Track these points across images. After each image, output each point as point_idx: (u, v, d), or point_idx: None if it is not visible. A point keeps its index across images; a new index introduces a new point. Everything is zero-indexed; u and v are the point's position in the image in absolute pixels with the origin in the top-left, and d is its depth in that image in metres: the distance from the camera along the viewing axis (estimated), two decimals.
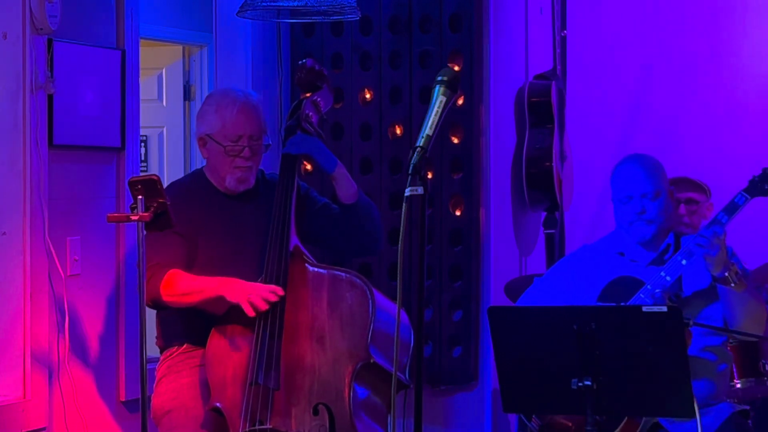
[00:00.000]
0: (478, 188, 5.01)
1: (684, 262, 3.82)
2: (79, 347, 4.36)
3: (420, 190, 2.92)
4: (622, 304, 3.84)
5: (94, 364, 4.43)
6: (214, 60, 5.25)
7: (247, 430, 3.66)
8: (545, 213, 5.41)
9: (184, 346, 3.94)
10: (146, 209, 3.42)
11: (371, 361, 3.67)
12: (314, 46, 5.15)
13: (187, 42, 6.69)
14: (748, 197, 3.85)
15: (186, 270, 3.82)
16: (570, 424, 3.84)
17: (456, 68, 4.88)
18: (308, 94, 3.99)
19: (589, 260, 4.08)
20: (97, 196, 4.42)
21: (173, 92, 6.77)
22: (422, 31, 5.01)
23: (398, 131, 5.07)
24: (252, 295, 3.68)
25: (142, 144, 6.54)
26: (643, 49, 6.05)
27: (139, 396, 3.44)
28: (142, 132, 5.35)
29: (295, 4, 4.26)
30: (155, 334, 4.02)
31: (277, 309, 3.71)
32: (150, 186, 3.42)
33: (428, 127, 2.99)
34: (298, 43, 5.17)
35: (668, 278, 3.83)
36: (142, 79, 4.76)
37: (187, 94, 6.76)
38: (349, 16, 4.39)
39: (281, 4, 4.27)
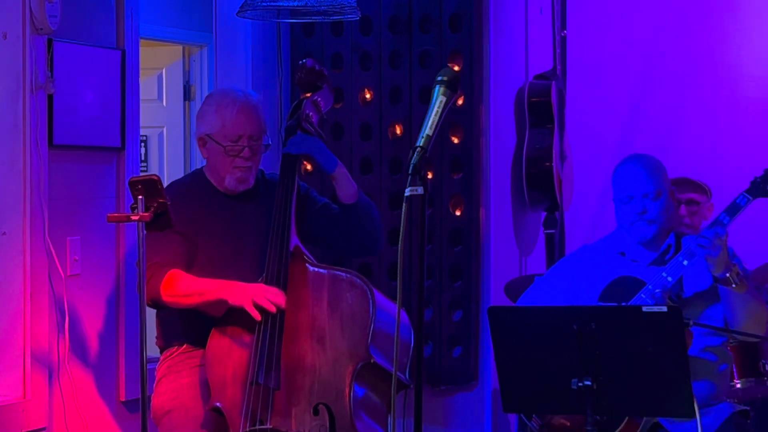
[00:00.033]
0: (478, 188, 5.01)
1: (685, 262, 3.82)
2: (79, 347, 4.36)
3: (420, 190, 2.92)
4: (623, 304, 3.84)
5: (94, 364, 4.43)
6: (214, 60, 5.25)
7: (247, 430, 3.66)
8: (545, 213, 5.41)
9: (184, 346, 3.94)
10: (146, 209, 3.42)
11: (371, 361, 3.67)
12: (314, 46, 5.15)
13: (187, 42, 6.69)
14: (750, 198, 3.84)
15: (186, 270, 3.82)
16: (568, 424, 3.84)
17: (456, 68, 4.88)
18: (308, 94, 3.99)
19: (590, 260, 4.08)
20: (97, 196, 4.42)
21: (173, 92, 6.77)
22: (422, 31, 5.01)
23: (398, 131, 5.07)
24: (257, 296, 3.67)
25: (142, 144, 6.54)
26: (643, 49, 6.05)
27: (139, 396, 3.44)
28: (142, 132, 5.35)
29: (295, 4, 4.26)
30: (155, 334, 4.02)
31: (279, 308, 3.71)
32: (150, 186, 3.42)
33: (428, 127, 2.99)
34: (298, 43, 5.17)
35: (669, 278, 3.83)
36: (142, 79, 4.76)
37: (187, 94, 6.77)
38: (349, 16, 4.39)
39: (281, 4, 4.27)
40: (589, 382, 3.27)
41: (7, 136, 4.13)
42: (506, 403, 3.49)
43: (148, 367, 3.44)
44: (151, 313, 3.73)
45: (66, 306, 4.24)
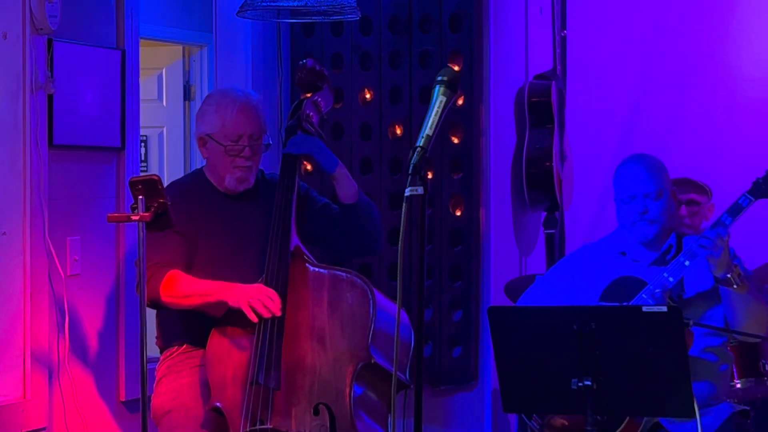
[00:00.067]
0: (478, 188, 5.00)
1: (687, 263, 3.82)
2: (79, 347, 4.36)
3: (420, 190, 2.92)
4: (624, 304, 3.84)
5: (94, 364, 4.43)
6: (214, 60, 5.25)
7: (247, 430, 3.66)
8: (545, 213, 5.41)
9: (184, 346, 3.94)
10: (147, 209, 3.42)
11: (372, 361, 3.67)
12: (314, 46, 5.15)
13: (187, 42, 6.69)
14: (752, 199, 3.84)
15: (186, 270, 3.82)
16: (568, 423, 3.83)
17: (456, 68, 4.88)
18: (309, 95, 3.99)
19: (591, 260, 4.08)
20: (97, 196, 4.42)
21: (173, 92, 6.77)
22: (422, 31, 5.01)
23: (398, 131, 5.07)
24: (253, 299, 3.68)
25: (142, 144, 6.54)
26: (644, 49, 6.05)
27: (139, 396, 3.44)
28: (142, 132, 5.35)
29: (295, 4, 4.25)
30: (155, 334, 4.02)
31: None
32: (150, 186, 3.42)
33: (428, 127, 2.98)
34: (298, 43, 5.17)
35: (671, 279, 3.83)
36: (142, 79, 4.76)
37: (187, 94, 6.76)
38: (349, 16, 4.39)
39: (281, 4, 4.27)
40: (589, 382, 3.27)
41: (7, 136, 4.13)
42: (506, 403, 3.49)
43: (148, 367, 3.44)
44: (151, 313, 3.73)
45: (66, 306, 4.24)
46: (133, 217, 3.41)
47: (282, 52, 5.15)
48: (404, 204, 2.91)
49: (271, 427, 3.67)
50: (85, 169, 4.39)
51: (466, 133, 4.98)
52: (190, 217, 3.86)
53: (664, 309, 3.33)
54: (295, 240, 3.82)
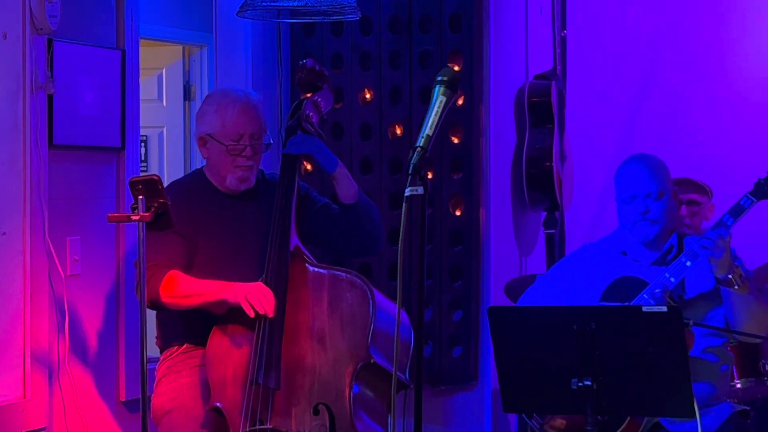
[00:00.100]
0: (478, 188, 5.01)
1: (688, 263, 3.82)
2: (79, 347, 4.36)
3: (420, 190, 2.92)
4: (625, 304, 3.84)
5: (94, 364, 4.43)
6: (214, 60, 5.25)
7: (247, 430, 3.66)
8: (545, 213, 5.41)
9: (184, 346, 3.94)
10: (147, 209, 3.42)
11: (371, 361, 3.67)
12: (314, 46, 5.15)
13: (187, 42, 6.69)
14: (754, 200, 3.84)
15: (186, 270, 3.82)
16: (568, 422, 3.83)
17: (456, 68, 4.88)
18: (309, 95, 3.99)
19: (592, 259, 4.08)
20: (97, 196, 4.42)
21: (173, 92, 6.77)
22: (422, 31, 5.01)
23: (398, 131, 5.07)
24: (250, 295, 3.68)
25: (142, 144, 6.54)
26: (643, 48, 6.05)
27: (139, 396, 3.44)
28: (142, 132, 5.35)
29: (295, 4, 4.25)
30: (155, 334, 4.02)
31: (278, 309, 3.71)
32: (151, 186, 3.42)
33: (428, 127, 2.98)
34: (298, 43, 5.17)
35: (672, 279, 3.83)
36: (142, 79, 4.76)
37: (187, 94, 6.76)
38: (349, 16, 4.39)
39: (281, 4, 4.27)
40: (589, 382, 3.27)
41: (7, 136, 4.13)
42: (506, 403, 3.49)
43: (148, 367, 3.44)
44: (151, 313, 3.73)
45: (66, 306, 4.24)
46: (134, 217, 3.41)
47: (282, 52, 5.15)
48: (404, 204, 2.91)
49: (270, 427, 3.67)
50: (85, 169, 4.39)
51: (466, 133, 4.98)
52: (190, 217, 3.86)
53: (664, 309, 3.33)
54: (294, 240, 3.82)
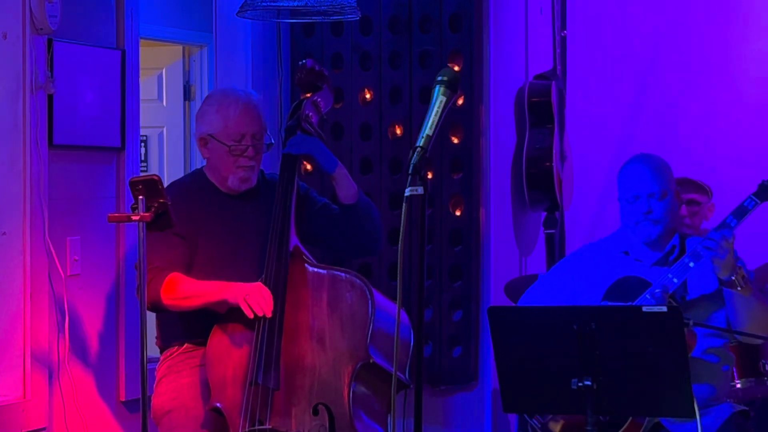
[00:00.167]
0: (478, 188, 5.00)
1: (691, 264, 3.81)
2: (79, 347, 4.36)
3: (420, 190, 2.92)
4: (628, 304, 3.84)
5: (94, 364, 4.43)
6: (214, 60, 5.25)
7: (247, 430, 3.66)
8: (545, 213, 5.41)
9: (184, 346, 3.94)
10: (147, 209, 3.42)
11: (371, 361, 3.67)
12: (314, 46, 5.14)
13: (187, 42, 6.69)
14: (758, 201, 3.83)
15: (186, 271, 3.83)
16: (568, 422, 3.83)
17: (456, 68, 4.88)
18: (308, 95, 3.99)
19: (593, 259, 4.08)
20: (97, 196, 4.42)
21: (173, 92, 6.77)
22: (422, 31, 5.01)
23: (398, 131, 5.07)
24: (249, 296, 3.68)
25: (142, 144, 6.54)
26: (644, 48, 6.05)
27: (139, 396, 3.44)
28: (142, 132, 5.35)
29: (295, 4, 4.25)
30: (155, 334, 4.02)
31: (277, 309, 3.71)
32: (151, 186, 3.42)
33: (428, 127, 2.98)
34: (298, 43, 5.17)
35: (675, 280, 3.82)
36: (142, 79, 4.76)
37: (187, 94, 6.76)
38: (349, 16, 4.39)
39: (281, 4, 4.27)
40: (589, 382, 3.27)
41: (7, 136, 4.13)
42: (506, 403, 3.49)
43: (148, 367, 3.44)
44: (151, 314, 3.73)
45: (66, 306, 4.24)
46: (134, 217, 3.41)
47: (282, 52, 5.14)
48: (404, 204, 2.91)
49: (270, 427, 3.67)
50: (85, 169, 4.39)
51: (466, 133, 4.98)
52: (190, 217, 3.86)
53: (664, 309, 3.33)
54: (294, 240, 3.82)
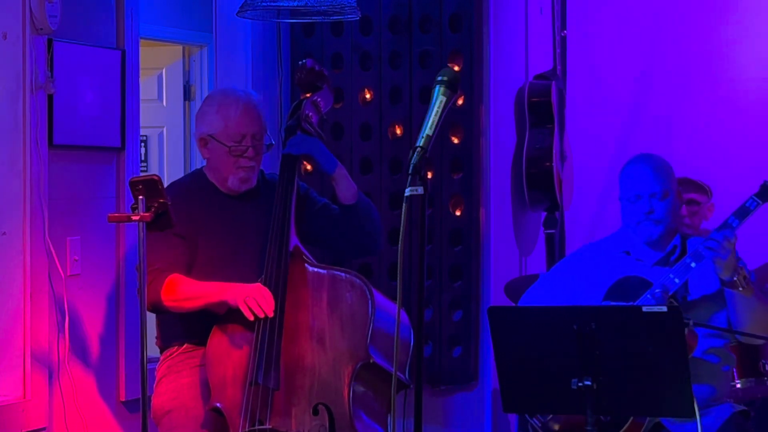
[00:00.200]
0: (478, 188, 5.00)
1: (693, 264, 3.81)
2: (79, 347, 4.36)
3: (420, 190, 2.92)
4: (630, 303, 3.83)
5: (94, 364, 4.43)
6: (214, 60, 5.25)
7: (247, 430, 3.66)
8: (545, 213, 5.41)
9: (184, 346, 3.94)
10: (147, 209, 3.41)
11: (371, 361, 3.67)
12: (314, 46, 5.14)
13: (187, 42, 6.69)
14: (760, 202, 3.83)
15: (186, 272, 3.83)
16: (569, 421, 3.83)
17: (456, 68, 4.88)
18: (308, 95, 3.99)
19: (594, 258, 4.08)
20: (97, 196, 4.42)
21: (173, 92, 6.77)
22: (422, 31, 5.01)
23: (398, 131, 5.07)
24: (249, 298, 3.68)
25: (142, 144, 6.54)
26: (644, 49, 6.04)
27: (139, 396, 3.44)
28: (142, 132, 5.35)
29: (295, 4, 4.25)
30: (155, 334, 4.02)
31: (277, 309, 3.71)
32: (151, 186, 3.42)
33: (428, 127, 2.98)
34: (298, 43, 5.17)
35: (676, 280, 3.82)
36: (142, 79, 4.76)
37: (187, 94, 6.77)
38: (349, 16, 4.39)
39: (281, 4, 4.27)
40: (589, 382, 3.27)
41: (7, 136, 4.13)
42: (506, 403, 3.49)
43: (148, 367, 3.44)
44: (151, 314, 3.74)
45: (66, 306, 4.24)
46: (134, 217, 3.40)
47: (282, 52, 5.15)
48: (404, 204, 2.91)
49: (270, 427, 3.67)
50: (85, 169, 4.39)
51: (466, 133, 4.98)
52: (190, 217, 3.86)
53: (664, 309, 3.33)
54: (294, 240, 3.82)
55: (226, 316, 3.77)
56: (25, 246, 4.13)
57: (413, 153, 2.95)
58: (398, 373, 3.30)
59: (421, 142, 2.97)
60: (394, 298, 3.42)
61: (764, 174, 3.93)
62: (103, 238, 4.44)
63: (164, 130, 6.77)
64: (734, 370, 4.43)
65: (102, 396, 4.46)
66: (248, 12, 4.33)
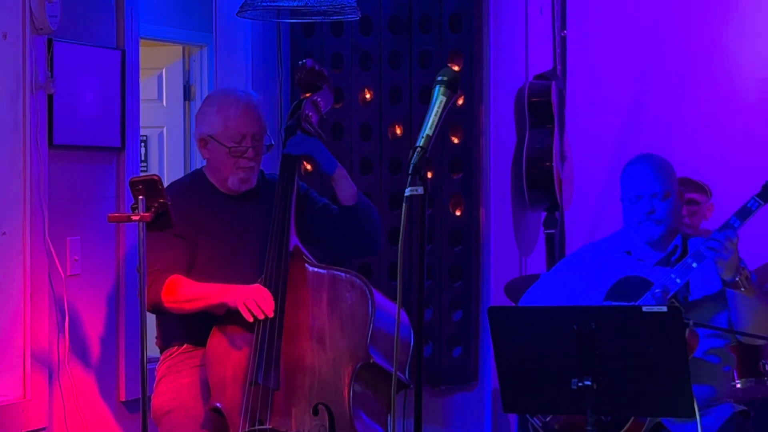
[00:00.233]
0: (478, 188, 5.00)
1: (694, 264, 3.81)
2: (79, 347, 4.36)
3: (420, 190, 2.92)
4: (631, 303, 3.83)
5: (94, 364, 4.43)
6: (214, 60, 5.25)
7: (247, 430, 3.66)
8: (545, 213, 5.41)
9: (184, 346, 3.94)
10: (147, 209, 3.41)
11: (371, 361, 3.67)
12: (314, 46, 5.15)
13: (187, 42, 6.69)
14: (762, 202, 3.83)
15: (186, 273, 3.83)
16: (569, 420, 3.83)
17: (456, 68, 4.88)
18: (308, 95, 3.99)
19: (595, 258, 4.08)
20: (97, 196, 4.42)
21: (173, 92, 6.77)
22: (422, 31, 5.01)
23: (398, 131, 5.07)
24: (248, 299, 3.68)
25: (142, 144, 6.54)
26: (643, 48, 6.05)
27: (139, 396, 3.44)
28: (142, 132, 5.35)
29: (295, 4, 4.25)
30: (155, 334, 4.02)
31: (277, 309, 3.71)
32: (151, 186, 3.42)
33: (428, 127, 2.98)
34: (298, 43, 5.17)
35: (678, 280, 3.82)
36: (142, 79, 4.76)
37: (187, 94, 6.77)
38: (349, 16, 4.39)
39: (281, 4, 4.27)
40: (589, 382, 3.27)
41: (7, 136, 4.13)
42: (506, 403, 3.49)
43: (148, 367, 3.44)
44: (151, 314, 3.74)
45: (66, 306, 4.24)
46: (134, 217, 3.40)
47: (282, 52, 5.14)
48: (404, 204, 2.91)
49: (270, 427, 3.67)
50: (85, 169, 4.39)
51: (466, 133, 4.98)
52: (190, 217, 3.86)
53: (664, 309, 3.33)
54: (294, 240, 3.82)
55: (226, 316, 3.77)
56: (25, 246, 4.13)
57: (413, 153, 2.95)
58: (398, 373, 3.30)
59: (421, 142, 2.97)
60: (394, 298, 3.42)
61: (764, 174, 3.93)
62: (103, 238, 4.44)
63: (164, 130, 6.77)
64: (734, 370, 4.43)
65: (102, 396, 4.46)
66: (248, 12, 4.33)
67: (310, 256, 3.83)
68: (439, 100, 3.01)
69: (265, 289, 3.71)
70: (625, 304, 3.84)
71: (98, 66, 4.38)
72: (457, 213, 4.99)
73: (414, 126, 4.96)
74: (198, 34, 6.58)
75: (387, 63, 5.05)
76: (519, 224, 5.43)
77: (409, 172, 2.93)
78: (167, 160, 6.75)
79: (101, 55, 4.40)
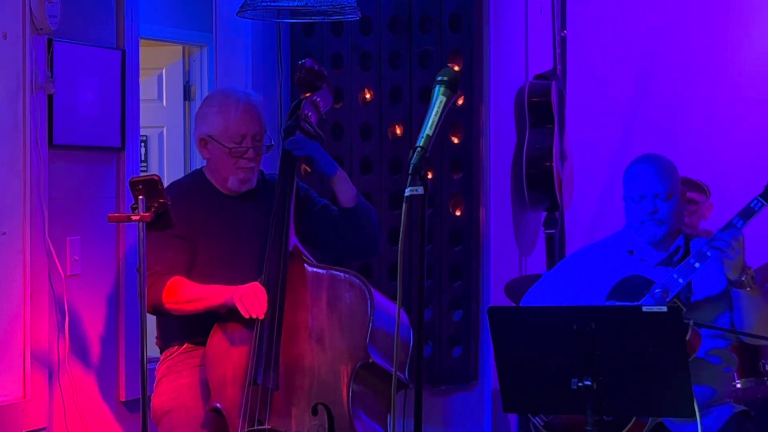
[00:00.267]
0: (478, 188, 5.00)
1: (697, 265, 3.81)
2: (79, 347, 4.36)
3: (420, 190, 2.91)
4: (633, 303, 3.83)
5: (94, 364, 4.43)
6: (214, 60, 5.25)
7: (246, 430, 3.66)
8: (545, 213, 5.41)
9: (184, 346, 3.94)
10: (147, 209, 3.41)
11: (370, 360, 3.67)
12: (314, 46, 5.15)
13: (187, 42, 6.69)
14: (764, 203, 3.83)
15: (186, 274, 3.82)
16: (570, 420, 3.83)
17: (456, 68, 4.88)
18: (308, 95, 3.99)
19: (597, 258, 4.08)
20: (97, 196, 4.42)
21: (173, 92, 6.77)
22: (422, 31, 5.01)
23: (398, 131, 5.07)
24: (243, 297, 3.68)
25: (142, 144, 6.54)
26: (643, 48, 6.05)
27: (139, 396, 3.44)
28: (142, 132, 5.35)
29: (295, 4, 4.25)
30: (155, 334, 4.02)
31: (276, 309, 3.71)
32: (151, 186, 3.42)
33: (428, 127, 2.98)
34: (298, 43, 5.17)
35: (680, 280, 3.82)
36: (142, 79, 4.76)
37: (187, 94, 6.77)
38: (349, 16, 4.39)
39: (281, 4, 4.27)
40: (589, 382, 3.27)
41: (7, 136, 4.13)
42: (506, 403, 3.49)
43: (148, 367, 3.44)
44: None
45: (66, 306, 4.24)
46: (134, 217, 3.40)
47: (282, 52, 5.15)
48: (404, 204, 2.91)
49: (269, 427, 3.67)
50: (85, 169, 4.39)
51: (466, 133, 4.98)
52: (190, 217, 3.86)
53: (664, 309, 3.33)
54: (293, 240, 3.82)
55: (226, 316, 3.77)
56: (25, 246, 4.13)
57: (413, 153, 2.95)
58: (398, 373, 3.30)
59: (421, 142, 2.97)
60: (394, 298, 3.42)
61: (763, 173, 3.94)
62: (103, 238, 4.44)
63: (164, 130, 6.77)
64: (735, 370, 4.43)
65: (102, 396, 4.46)
66: (248, 12, 4.33)
67: (309, 256, 3.83)
68: (439, 100, 3.01)
69: (261, 287, 3.71)
70: (627, 304, 3.84)
71: (98, 66, 4.39)
72: (457, 213, 4.99)
73: (414, 126, 4.96)
74: (198, 34, 6.58)
75: (387, 63, 5.05)
76: (519, 224, 5.43)
77: (409, 172, 2.93)
78: (167, 160, 6.75)
79: (101, 55, 4.40)
